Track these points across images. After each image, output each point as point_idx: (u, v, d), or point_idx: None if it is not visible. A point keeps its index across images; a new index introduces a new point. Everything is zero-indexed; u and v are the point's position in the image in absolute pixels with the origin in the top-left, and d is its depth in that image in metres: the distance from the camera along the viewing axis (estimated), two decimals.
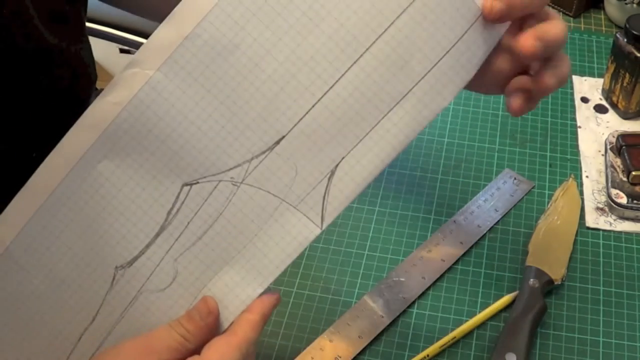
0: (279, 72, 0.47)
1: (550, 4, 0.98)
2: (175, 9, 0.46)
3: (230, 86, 0.47)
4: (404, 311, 0.65)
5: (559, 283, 0.66)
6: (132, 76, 0.46)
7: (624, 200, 0.72)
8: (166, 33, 0.46)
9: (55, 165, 0.47)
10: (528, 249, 0.69)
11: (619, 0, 0.92)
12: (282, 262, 0.49)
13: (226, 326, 0.49)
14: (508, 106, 0.52)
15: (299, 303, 0.66)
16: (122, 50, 1.93)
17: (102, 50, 1.94)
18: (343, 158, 0.48)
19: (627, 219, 0.72)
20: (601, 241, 0.70)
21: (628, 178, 0.73)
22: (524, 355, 0.60)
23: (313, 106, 0.47)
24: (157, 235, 0.49)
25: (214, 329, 0.49)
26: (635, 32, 0.76)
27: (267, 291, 0.50)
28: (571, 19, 0.96)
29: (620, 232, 0.71)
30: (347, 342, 0.62)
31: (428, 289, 0.67)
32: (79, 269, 0.49)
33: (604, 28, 0.95)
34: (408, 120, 0.48)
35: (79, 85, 0.65)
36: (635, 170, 0.72)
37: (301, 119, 0.47)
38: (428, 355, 0.62)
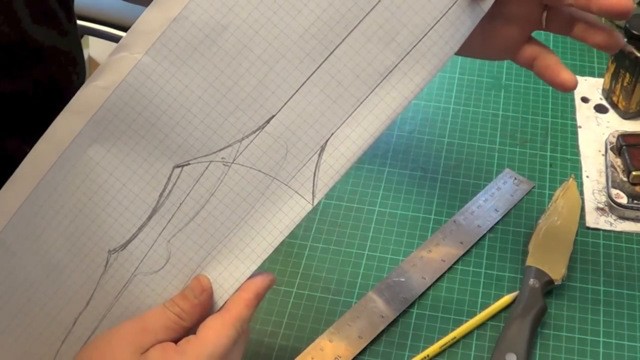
0: (268, 52, 0.47)
1: None
2: None
3: (219, 68, 0.47)
4: (404, 311, 0.65)
5: (559, 283, 0.66)
6: (120, 60, 0.47)
7: (624, 200, 0.72)
8: (153, 16, 0.46)
9: (44, 152, 0.48)
10: (528, 249, 0.69)
11: None
12: (275, 239, 0.49)
13: (220, 305, 0.50)
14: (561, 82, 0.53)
15: (299, 303, 0.66)
16: None
17: (102, 50, 1.94)
18: (332, 134, 0.49)
19: (628, 219, 0.72)
20: (601, 241, 0.70)
21: (628, 178, 0.73)
22: (524, 355, 0.60)
23: (302, 84, 0.48)
24: (150, 217, 0.49)
25: (208, 307, 0.49)
26: (635, 32, 0.76)
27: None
28: None
29: (620, 232, 0.71)
30: (347, 342, 0.62)
31: (428, 289, 0.67)
32: (72, 254, 0.49)
33: None
34: (395, 94, 0.49)
35: (66, 74, 0.64)
36: (636, 170, 0.72)
37: (291, 97, 0.48)
38: (428, 356, 0.62)
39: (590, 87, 0.85)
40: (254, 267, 0.50)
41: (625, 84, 0.79)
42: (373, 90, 0.49)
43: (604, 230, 0.71)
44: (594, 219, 0.72)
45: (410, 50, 0.49)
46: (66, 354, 0.51)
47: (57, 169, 0.48)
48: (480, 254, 0.69)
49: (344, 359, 0.61)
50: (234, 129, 0.48)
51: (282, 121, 0.48)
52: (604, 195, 0.74)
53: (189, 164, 0.48)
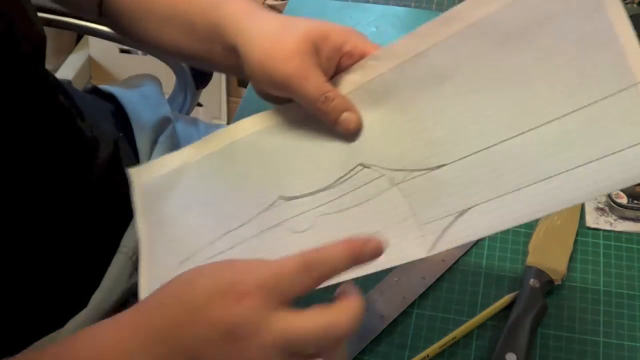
0: (472, 110, 0.51)
1: None
2: (423, 26, 0.52)
3: (433, 102, 0.52)
4: (404, 311, 0.65)
5: (559, 283, 0.66)
6: (371, 67, 0.55)
7: (624, 200, 0.72)
8: (406, 43, 0.53)
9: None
10: (528, 249, 0.69)
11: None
12: (377, 267, 0.49)
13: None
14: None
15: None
16: (122, 50, 1.93)
17: (102, 50, 1.94)
18: (477, 204, 0.50)
19: (628, 218, 0.72)
20: (601, 241, 0.70)
21: None
22: (524, 356, 0.60)
23: (480, 150, 0.50)
24: (320, 190, 0.55)
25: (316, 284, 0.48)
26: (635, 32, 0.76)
27: None
28: None
29: (620, 232, 0.71)
30: (347, 342, 0.62)
31: (428, 289, 0.67)
32: (258, 181, 0.57)
33: None
34: (543, 199, 0.48)
35: (18, 34, 0.57)
36: None
37: (465, 156, 0.51)
38: (428, 355, 0.62)
39: None
40: (345, 279, 0.49)
41: None
42: (529, 186, 0.49)
43: (604, 230, 0.71)
44: (594, 219, 0.72)
45: (578, 167, 0.48)
46: (196, 261, 0.56)
47: (295, 109, 0.56)
48: (480, 254, 0.69)
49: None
50: (410, 160, 0.53)
51: (448, 173, 0.51)
52: (604, 195, 0.74)
53: (370, 167, 0.54)
